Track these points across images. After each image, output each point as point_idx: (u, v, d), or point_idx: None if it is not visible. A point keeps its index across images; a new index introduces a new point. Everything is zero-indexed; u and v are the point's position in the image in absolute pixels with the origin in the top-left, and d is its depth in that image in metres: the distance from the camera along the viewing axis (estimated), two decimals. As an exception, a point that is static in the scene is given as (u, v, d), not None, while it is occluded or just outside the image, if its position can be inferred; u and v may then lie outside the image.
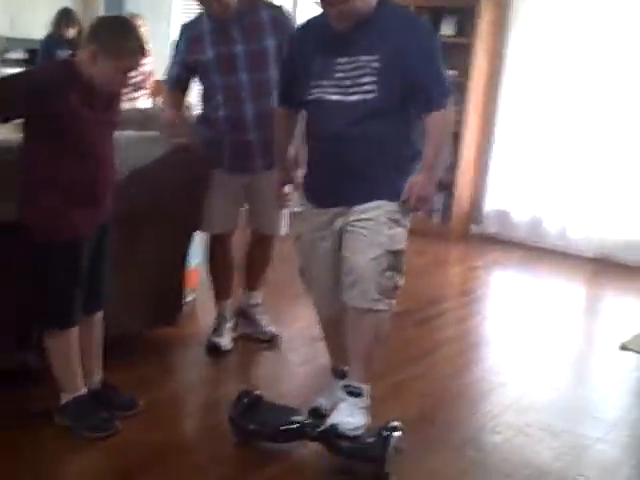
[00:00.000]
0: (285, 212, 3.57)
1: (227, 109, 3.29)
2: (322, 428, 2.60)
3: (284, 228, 3.64)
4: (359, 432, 2.59)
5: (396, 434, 2.58)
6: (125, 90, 5.79)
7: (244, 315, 3.71)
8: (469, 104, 5.92)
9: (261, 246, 3.66)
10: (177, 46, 3.35)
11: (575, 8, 5.63)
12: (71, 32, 6.91)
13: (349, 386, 2.67)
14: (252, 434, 2.72)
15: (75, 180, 2.57)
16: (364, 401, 2.67)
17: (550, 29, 5.77)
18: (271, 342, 3.69)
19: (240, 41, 3.24)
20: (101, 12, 8.56)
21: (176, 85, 3.40)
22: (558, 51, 5.76)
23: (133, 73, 6.56)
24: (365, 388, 2.68)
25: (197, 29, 3.29)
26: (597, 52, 5.57)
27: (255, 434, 2.71)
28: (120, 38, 2.51)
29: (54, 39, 6.92)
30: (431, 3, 6.06)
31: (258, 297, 3.76)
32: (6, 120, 2.55)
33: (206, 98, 3.39)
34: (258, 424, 2.70)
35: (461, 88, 5.76)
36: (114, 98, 2.67)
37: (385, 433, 2.56)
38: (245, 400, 2.73)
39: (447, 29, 5.99)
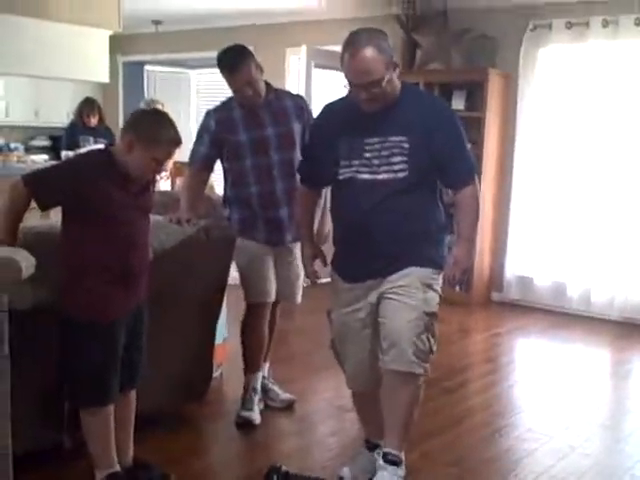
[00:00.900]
0: (302, 283, 3.66)
1: (259, 188, 3.46)
2: None
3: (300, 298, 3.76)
4: None
5: None
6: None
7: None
8: (485, 173, 6.04)
9: (272, 314, 3.73)
10: (205, 128, 3.49)
11: (581, 78, 5.79)
12: (92, 120, 7.17)
13: (388, 454, 2.68)
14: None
15: (112, 263, 2.64)
16: (402, 470, 2.69)
17: (558, 98, 5.94)
18: (290, 408, 3.76)
19: (270, 124, 3.46)
20: (121, 101, 8.86)
21: (204, 164, 3.52)
22: (567, 118, 5.92)
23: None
24: (403, 457, 2.70)
25: (226, 113, 3.48)
26: (607, 115, 5.70)
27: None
28: (156, 129, 2.62)
29: (77, 127, 7.18)
30: (440, 80, 6.27)
31: (267, 367, 3.84)
32: (46, 208, 2.62)
33: (235, 179, 3.52)
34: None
35: (476, 159, 5.85)
36: (148, 184, 2.77)
37: None
38: (275, 477, 2.71)
39: (457, 104, 6.17)
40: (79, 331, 2.66)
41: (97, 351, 2.65)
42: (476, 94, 6.12)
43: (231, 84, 3.41)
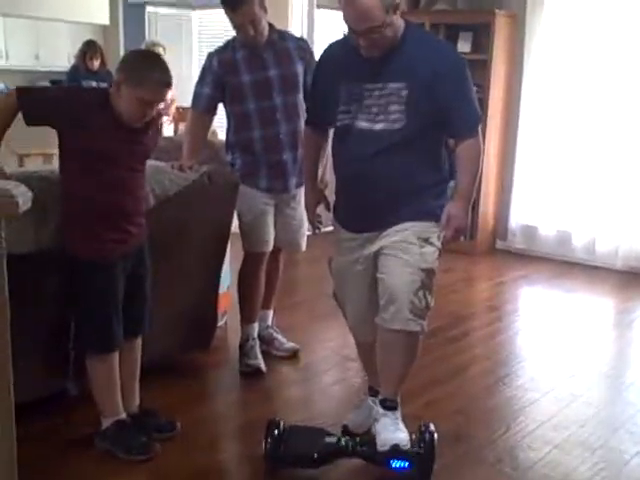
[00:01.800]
0: (306, 231, 3.63)
1: (263, 131, 3.40)
2: (380, 450, 2.63)
3: (304, 246, 3.76)
4: (410, 444, 2.65)
5: (435, 435, 2.70)
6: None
7: (260, 337, 3.75)
8: (489, 120, 5.94)
9: (275, 262, 3.72)
10: (207, 70, 3.42)
11: (590, 18, 5.65)
12: (95, 63, 7.07)
13: (386, 400, 2.70)
14: (290, 465, 2.72)
15: (105, 205, 2.64)
16: (400, 411, 2.72)
17: (566, 40, 5.80)
18: (293, 357, 3.79)
19: (273, 66, 3.39)
20: (122, 43, 8.72)
21: (207, 106, 3.45)
22: (577, 62, 5.79)
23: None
24: (399, 401, 2.73)
25: (228, 55, 3.40)
26: (616, 59, 5.58)
27: (292, 464, 2.72)
28: (143, 70, 2.56)
29: (79, 70, 7.07)
30: (446, 21, 6.12)
31: (271, 316, 3.84)
32: (31, 122, 2.57)
33: (238, 123, 3.45)
34: (292, 455, 2.69)
35: (481, 103, 5.73)
36: (147, 127, 2.71)
37: (427, 435, 2.68)
38: (275, 431, 2.71)
39: (464, 46, 6.03)
40: (81, 269, 2.67)
41: (94, 293, 2.68)
42: (483, 36, 5.97)
43: (233, 22, 3.32)
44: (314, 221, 3.00)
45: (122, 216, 2.70)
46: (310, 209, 2.99)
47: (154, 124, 2.77)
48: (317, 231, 2.99)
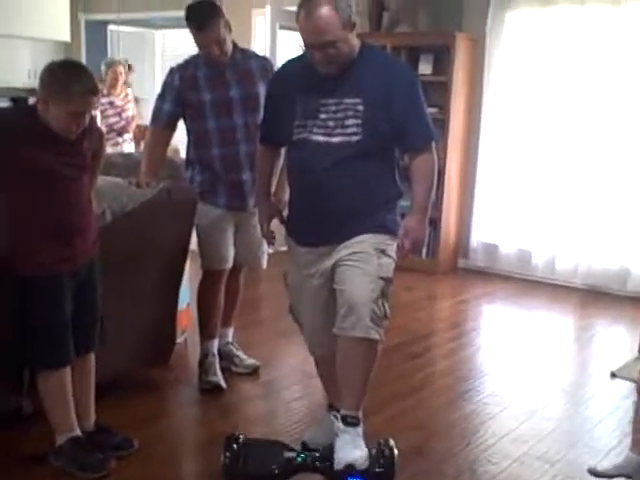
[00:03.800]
0: (266, 249, 3.61)
1: (222, 150, 3.38)
2: (336, 468, 2.61)
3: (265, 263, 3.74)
4: (368, 462, 2.62)
5: (396, 451, 2.69)
6: (108, 135, 5.88)
7: (220, 354, 3.71)
8: (450, 139, 6.02)
9: (235, 280, 3.70)
10: (168, 85, 3.40)
11: (550, 41, 5.76)
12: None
13: (347, 416, 2.66)
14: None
15: (47, 220, 2.61)
16: (361, 428, 2.68)
17: (525, 62, 5.89)
18: (254, 374, 3.77)
19: (235, 86, 3.37)
20: (83, 61, 8.65)
21: (167, 121, 3.43)
22: (535, 84, 5.87)
23: (114, 119, 6.65)
24: (361, 415, 2.69)
25: (190, 71, 3.38)
26: (574, 82, 5.68)
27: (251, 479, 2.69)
28: (66, 83, 2.50)
29: None
30: (408, 43, 6.20)
31: (231, 333, 3.82)
32: None
33: (197, 140, 3.44)
34: (252, 470, 2.66)
35: (441, 124, 5.87)
36: (81, 139, 2.65)
37: (387, 452, 2.67)
38: (233, 445, 2.68)
39: (425, 68, 6.13)
40: (25, 287, 2.63)
41: (41, 308, 2.63)
42: (444, 58, 6.06)
43: (198, 41, 3.31)
44: (268, 236, 2.99)
45: (68, 230, 2.66)
46: (263, 224, 2.98)
47: (89, 133, 2.69)
48: (271, 246, 2.98)
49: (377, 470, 2.63)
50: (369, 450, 2.65)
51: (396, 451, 2.68)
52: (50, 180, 2.59)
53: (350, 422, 2.66)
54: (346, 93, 2.57)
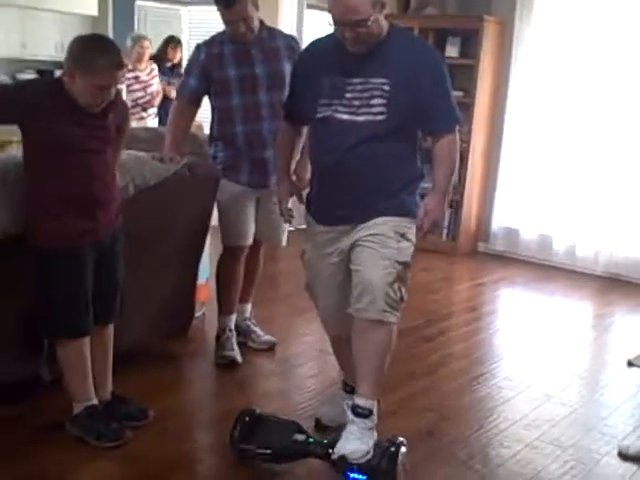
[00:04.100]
0: (287, 226, 3.62)
1: (246, 127, 3.39)
2: (332, 457, 2.59)
3: (285, 242, 3.76)
4: (368, 457, 2.58)
5: (402, 450, 2.60)
6: (133, 110, 5.90)
7: (237, 329, 3.74)
8: (475, 123, 5.99)
9: (255, 256, 3.72)
10: (195, 61, 3.41)
11: (577, 27, 5.69)
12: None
13: (357, 407, 2.64)
14: (254, 457, 2.69)
15: (71, 192, 2.63)
16: (372, 419, 2.65)
17: (554, 46, 5.84)
18: (272, 349, 3.80)
19: (260, 63, 3.38)
20: (111, 35, 8.66)
21: (193, 97, 3.43)
22: (563, 69, 5.82)
23: (139, 94, 6.68)
24: (374, 405, 2.66)
25: (217, 48, 3.39)
26: (602, 67, 5.62)
27: (257, 457, 2.69)
28: (93, 56, 2.53)
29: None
30: (436, 26, 6.16)
31: (249, 309, 3.84)
32: None
33: (222, 117, 3.45)
34: (259, 447, 2.66)
35: (467, 108, 5.83)
36: (106, 111, 2.67)
37: (392, 450, 2.58)
38: (246, 419, 2.70)
39: (452, 51, 6.08)
40: (46, 258, 2.66)
41: (62, 279, 2.66)
42: (471, 41, 6.01)
43: (225, 18, 3.31)
44: (285, 213, 2.98)
45: (91, 202, 2.68)
46: (282, 199, 2.97)
47: (114, 107, 2.71)
48: (289, 224, 2.98)
49: (376, 466, 2.56)
50: (378, 443, 2.61)
51: (403, 449, 2.61)
52: (74, 152, 2.61)
53: (360, 413, 2.63)
54: (373, 73, 2.57)
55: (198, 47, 3.44)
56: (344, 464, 2.57)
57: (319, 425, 2.89)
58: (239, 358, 3.56)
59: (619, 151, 5.62)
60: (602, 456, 2.98)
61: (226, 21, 3.33)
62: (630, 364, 3.98)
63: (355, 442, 2.59)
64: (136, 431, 2.83)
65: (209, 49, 3.40)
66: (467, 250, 6.25)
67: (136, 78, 6.53)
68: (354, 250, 2.65)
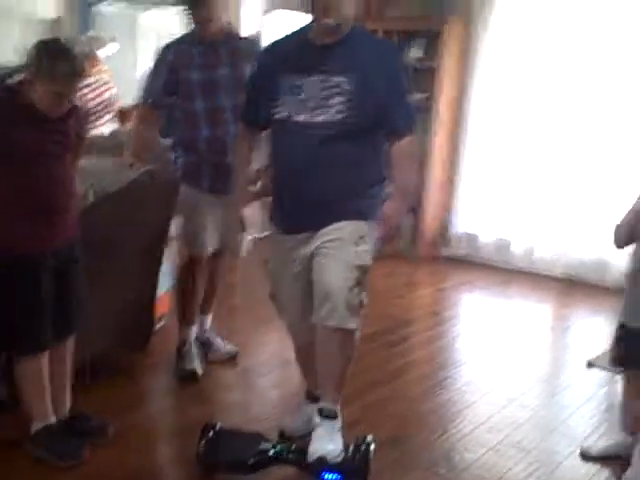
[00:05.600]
0: (246, 235, 3.58)
1: (209, 131, 3.33)
2: (308, 461, 2.60)
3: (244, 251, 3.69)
4: (342, 456, 2.60)
5: (372, 447, 2.64)
6: (91, 118, 5.81)
7: (198, 340, 3.70)
8: (437, 126, 5.98)
9: (216, 266, 3.68)
10: (161, 61, 3.35)
11: (541, 28, 5.70)
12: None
13: (323, 409, 2.66)
14: (222, 471, 2.68)
15: (27, 196, 2.58)
16: (339, 422, 2.68)
17: (515, 51, 5.85)
18: (233, 360, 3.76)
19: (226, 65, 3.33)
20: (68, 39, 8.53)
21: (158, 100, 3.38)
22: (524, 74, 5.83)
23: (95, 100, 6.55)
24: (338, 409, 2.69)
25: (185, 47, 3.34)
26: (561, 75, 5.65)
27: (225, 470, 2.67)
28: (53, 63, 2.49)
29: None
30: (400, 27, 6.13)
31: (210, 320, 3.80)
32: None
33: (185, 120, 3.39)
34: (227, 460, 2.66)
35: (429, 110, 5.85)
36: (67, 117, 2.64)
37: (363, 448, 2.61)
38: (210, 434, 2.67)
39: (416, 52, 6.06)
40: (2, 266, 2.59)
41: (19, 291, 2.59)
42: (436, 45, 5.96)
43: (192, 19, 3.27)
44: (238, 221, 2.92)
45: (48, 208, 2.62)
46: (239, 207, 2.92)
47: (75, 112, 2.68)
48: (250, 234, 2.94)
49: (350, 465, 2.60)
50: (346, 444, 2.64)
51: (373, 447, 2.65)
52: (33, 157, 2.56)
53: (326, 415, 2.66)
54: (333, 71, 2.56)
55: (166, 46, 3.38)
56: (320, 465, 2.57)
57: (283, 437, 2.87)
58: (200, 370, 3.52)
59: (577, 155, 5.67)
60: (565, 457, 3.01)
61: (194, 20, 3.29)
62: (590, 365, 4.03)
63: (328, 443, 2.61)
64: (96, 447, 2.78)
65: (177, 47, 3.35)
66: (429, 255, 6.27)
67: (91, 84, 6.43)
68: (314, 258, 2.64)
